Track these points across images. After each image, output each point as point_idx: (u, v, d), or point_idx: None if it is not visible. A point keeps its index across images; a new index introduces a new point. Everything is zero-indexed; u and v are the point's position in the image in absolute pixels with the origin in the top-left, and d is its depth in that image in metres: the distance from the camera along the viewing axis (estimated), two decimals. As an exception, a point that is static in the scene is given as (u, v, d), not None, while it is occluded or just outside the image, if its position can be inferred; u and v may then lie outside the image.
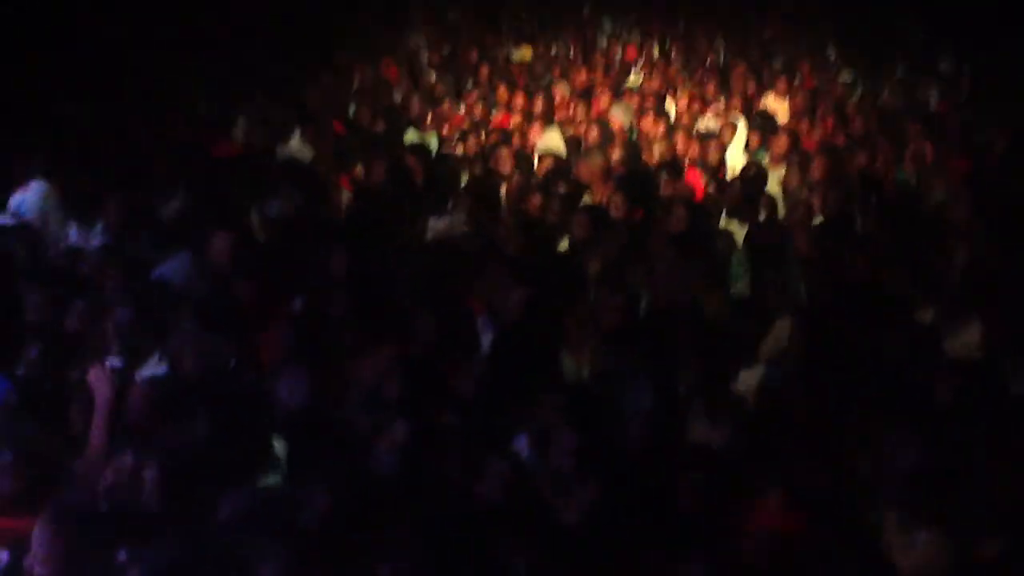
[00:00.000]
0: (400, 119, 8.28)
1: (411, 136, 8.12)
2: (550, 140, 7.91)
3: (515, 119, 8.35)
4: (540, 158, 7.34)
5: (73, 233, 5.72)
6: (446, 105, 8.75)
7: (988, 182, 6.74)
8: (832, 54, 11.47)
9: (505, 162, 7.15)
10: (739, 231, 6.26)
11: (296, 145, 7.83)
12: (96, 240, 5.51)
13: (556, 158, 7.28)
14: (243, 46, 10.34)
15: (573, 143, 7.83)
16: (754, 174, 6.93)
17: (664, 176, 6.90)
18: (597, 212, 6.26)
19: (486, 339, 4.83)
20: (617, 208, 6.34)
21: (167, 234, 5.54)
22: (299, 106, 8.40)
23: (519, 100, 8.61)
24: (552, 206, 6.33)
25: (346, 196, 6.76)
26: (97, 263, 4.93)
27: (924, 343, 4.52)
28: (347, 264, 5.14)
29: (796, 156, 7.17)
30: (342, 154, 7.30)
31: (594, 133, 7.80)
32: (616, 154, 7.40)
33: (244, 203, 6.15)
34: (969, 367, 4.35)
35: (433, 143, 8.03)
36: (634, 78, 10.10)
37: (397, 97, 9.11)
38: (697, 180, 7.21)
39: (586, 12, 14.03)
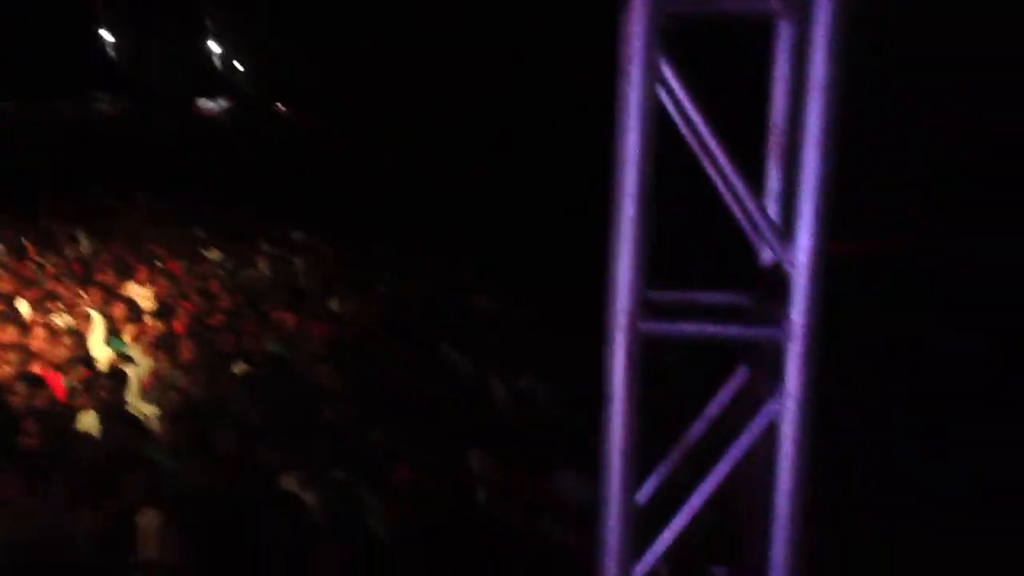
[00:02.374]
0: None
1: None
2: None
3: None
4: None
5: None
6: None
7: (346, 346, 7.28)
8: (201, 234, 11.67)
9: None
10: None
11: None
12: None
13: None
14: None
15: None
16: (118, 366, 6.59)
17: (17, 386, 6.21)
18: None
19: None
20: None
21: None
22: None
23: None
24: None
25: None
26: None
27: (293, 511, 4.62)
28: None
29: (163, 341, 7.03)
30: None
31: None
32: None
33: None
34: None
35: None
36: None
37: None
38: (57, 382, 6.62)
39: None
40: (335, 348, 7.24)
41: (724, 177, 1.93)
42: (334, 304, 8.25)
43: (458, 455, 5.41)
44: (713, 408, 2.23)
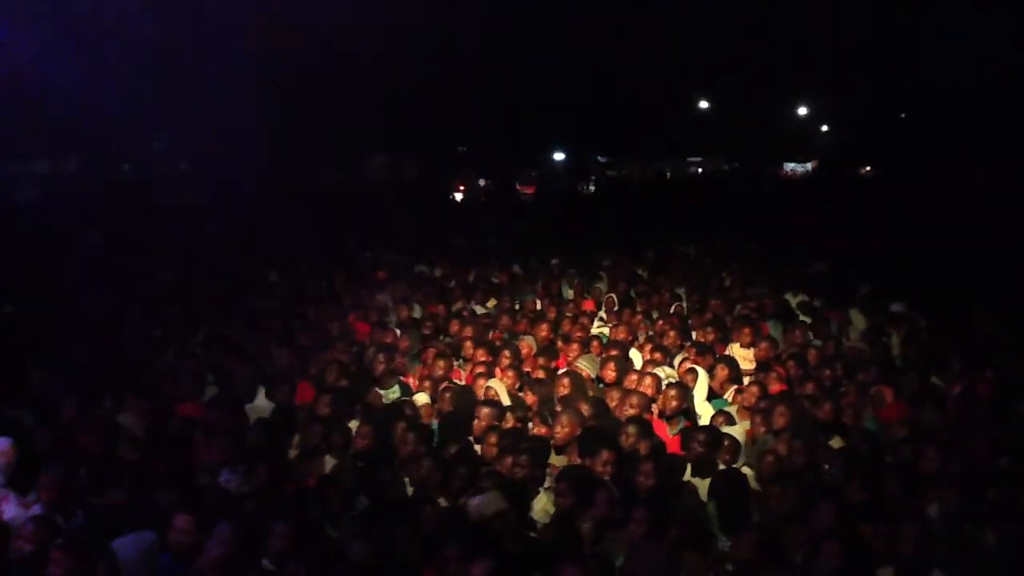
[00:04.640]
0: (365, 378, 8.29)
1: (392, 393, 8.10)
2: (511, 396, 7.85)
3: (478, 373, 8.25)
4: (513, 415, 7.22)
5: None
6: (406, 361, 8.82)
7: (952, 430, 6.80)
8: (790, 299, 11.78)
9: (481, 422, 7.06)
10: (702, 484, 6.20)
11: (262, 403, 7.82)
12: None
13: (520, 414, 7.23)
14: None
15: (541, 398, 7.73)
16: (714, 425, 6.95)
17: (630, 429, 6.78)
18: (581, 474, 6.10)
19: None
20: (603, 467, 6.18)
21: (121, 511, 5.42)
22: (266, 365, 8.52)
23: (482, 355, 8.59)
24: (520, 463, 6.20)
25: (329, 461, 6.65)
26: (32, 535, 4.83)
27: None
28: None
29: (762, 405, 7.21)
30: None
31: (562, 387, 7.74)
32: (585, 408, 7.32)
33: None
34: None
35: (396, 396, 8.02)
36: (598, 328, 10.24)
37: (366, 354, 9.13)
38: (663, 431, 7.15)
39: (554, 264, 14.49)
40: (937, 432, 6.79)
41: None
42: (938, 382, 7.77)
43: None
44: None
